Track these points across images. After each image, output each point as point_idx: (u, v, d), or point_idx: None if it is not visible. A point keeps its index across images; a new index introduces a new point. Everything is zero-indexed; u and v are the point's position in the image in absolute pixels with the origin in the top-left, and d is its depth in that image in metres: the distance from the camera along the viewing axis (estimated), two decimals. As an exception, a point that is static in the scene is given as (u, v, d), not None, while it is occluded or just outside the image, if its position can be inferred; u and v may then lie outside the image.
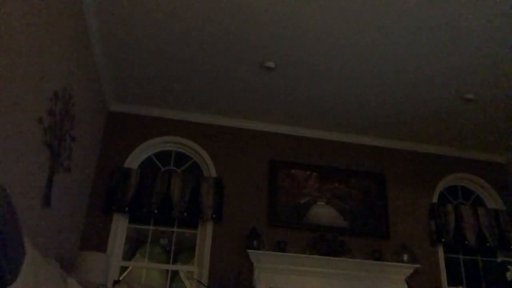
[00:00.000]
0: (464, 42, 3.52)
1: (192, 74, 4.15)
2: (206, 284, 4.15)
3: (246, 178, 4.72)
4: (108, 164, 4.48)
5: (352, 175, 4.93)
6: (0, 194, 0.85)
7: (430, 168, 5.19)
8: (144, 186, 4.32)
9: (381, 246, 4.64)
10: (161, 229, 4.51)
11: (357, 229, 4.68)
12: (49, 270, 2.37)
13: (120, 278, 4.22)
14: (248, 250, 4.29)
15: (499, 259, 4.80)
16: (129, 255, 4.41)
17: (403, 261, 4.50)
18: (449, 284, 4.67)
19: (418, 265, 4.52)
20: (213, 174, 4.65)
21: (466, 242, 4.75)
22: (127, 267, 4.39)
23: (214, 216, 4.34)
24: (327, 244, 4.45)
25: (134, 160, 4.59)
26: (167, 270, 4.39)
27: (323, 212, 4.69)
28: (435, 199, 5.02)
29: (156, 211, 4.26)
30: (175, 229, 4.51)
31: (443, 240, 4.72)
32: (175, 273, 4.47)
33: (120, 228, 4.33)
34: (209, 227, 4.42)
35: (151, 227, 4.48)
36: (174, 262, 4.42)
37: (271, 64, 3.91)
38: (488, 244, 4.76)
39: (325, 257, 4.35)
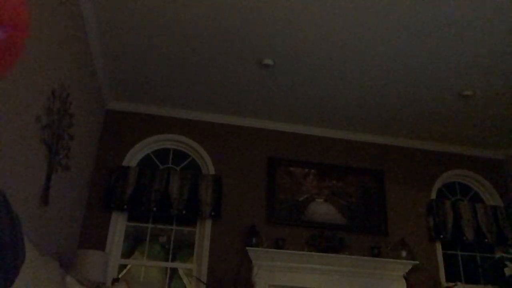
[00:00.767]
0: (462, 40, 3.52)
1: (190, 72, 4.14)
2: (205, 282, 4.16)
3: (244, 176, 4.72)
4: (107, 162, 4.48)
5: (350, 172, 4.94)
6: None
7: (428, 165, 5.20)
8: (142, 184, 4.32)
9: (380, 243, 4.65)
10: (160, 227, 4.51)
11: (356, 226, 4.69)
12: (48, 269, 2.37)
13: (119, 276, 4.22)
14: (247, 248, 4.29)
15: (497, 255, 4.82)
16: (128, 253, 4.41)
17: (401, 258, 4.52)
18: (447, 280, 4.68)
19: (416, 262, 4.53)
20: (212, 171, 4.65)
21: (464, 238, 4.76)
22: (126, 265, 4.39)
23: (212, 213, 4.35)
24: (325, 241, 4.46)
25: (132, 158, 4.58)
26: (166, 268, 4.39)
27: (322, 209, 4.70)
28: (433, 196, 5.03)
29: (154, 209, 4.26)
30: (173, 227, 4.52)
31: (441, 236, 4.74)
32: (174, 271, 4.48)
33: (118, 226, 4.33)
34: (208, 225, 4.42)
35: (150, 225, 4.48)
36: (173, 260, 4.42)
37: (269, 61, 3.91)
38: (486, 240, 4.78)
39: (323, 254, 4.36)
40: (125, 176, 4.33)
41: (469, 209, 4.89)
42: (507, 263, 4.33)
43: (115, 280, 3.91)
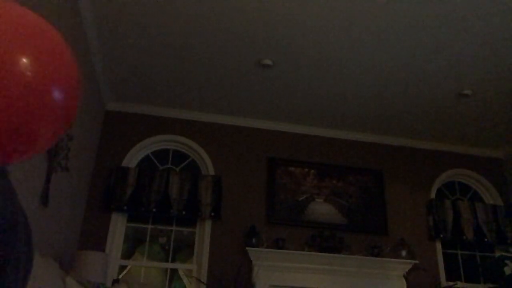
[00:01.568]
0: (461, 38, 3.52)
1: (189, 72, 4.14)
2: (205, 282, 4.15)
3: (244, 176, 4.72)
4: (106, 163, 4.47)
5: (350, 172, 4.94)
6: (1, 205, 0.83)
7: (428, 164, 5.20)
8: (142, 185, 4.32)
9: (380, 242, 4.65)
10: (160, 227, 4.51)
11: (356, 226, 4.69)
12: (48, 270, 2.37)
13: (119, 277, 4.22)
14: (247, 248, 4.29)
15: (497, 254, 4.82)
16: (128, 254, 4.41)
17: (401, 257, 4.52)
18: (447, 280, 4.69)
19: (416, 261, 4.54)
20: (211, 172, 4.65)
21: (464, 237, 4.77)
22: (126, 266, 4.39)
23: (212, 214, 4.34)
24: (325, 241, 4.46)
25: (132, 159, 4.58)
26: (166, 269, 4.39)
27: (322, 209, 4.70)
28: (433, 195, 5.04)
29: (154, 209, 4.26)
30: (173, 228, 4.51)
31: (441, 235, 4.74)
32: (174, 272, 4.48)
33: (118, 227, 4.33)
34: (208, 225, 4.42)
35: (150, 226, 4.48)
36: (173, 260, 4.41)
37: (268, 61, 3.90)
38: (486, 239, 4.78)
39: (323, 254, 4.36)
40: (125, 176, 4.32)
41: (468, 208, 4.89)
42: (507, 262, 4.33)
43: (115, 281, 3.90)
